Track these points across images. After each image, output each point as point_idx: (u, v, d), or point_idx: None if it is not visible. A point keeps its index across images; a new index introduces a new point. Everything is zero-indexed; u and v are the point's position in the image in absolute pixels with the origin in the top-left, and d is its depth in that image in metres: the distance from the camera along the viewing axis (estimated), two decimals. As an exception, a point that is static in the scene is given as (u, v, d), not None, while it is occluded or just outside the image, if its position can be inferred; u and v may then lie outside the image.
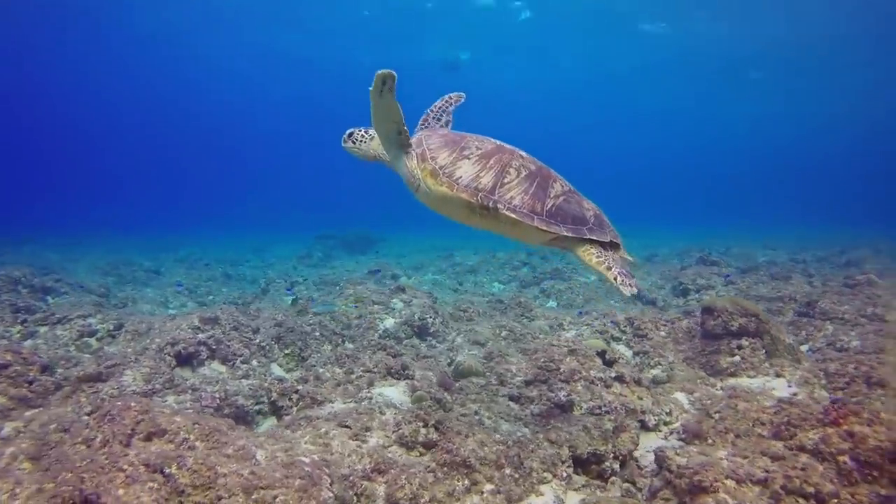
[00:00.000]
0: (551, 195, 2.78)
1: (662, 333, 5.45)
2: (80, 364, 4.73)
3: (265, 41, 31.20)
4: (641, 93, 38.11)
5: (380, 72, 2.45)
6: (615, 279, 2.69)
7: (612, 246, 2.90)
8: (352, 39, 30.39)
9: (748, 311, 4.65)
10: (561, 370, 4.20)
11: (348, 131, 3.23)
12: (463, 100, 3.52)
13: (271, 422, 4.42)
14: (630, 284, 2.67)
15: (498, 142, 2.98)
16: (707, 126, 48.89)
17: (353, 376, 4.32)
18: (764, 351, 4.52)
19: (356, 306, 6.69)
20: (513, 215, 2.68)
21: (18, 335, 5.63)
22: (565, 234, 2.74)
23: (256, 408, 4.46)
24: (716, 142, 57.41)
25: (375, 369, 4.37)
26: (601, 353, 4.46)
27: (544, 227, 2.69)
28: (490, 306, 7.75)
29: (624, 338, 5.59)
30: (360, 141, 3.18)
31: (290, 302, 8.68)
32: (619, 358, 4.43)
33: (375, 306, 6.53)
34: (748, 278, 8.74)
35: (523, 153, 2.95)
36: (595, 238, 2.79)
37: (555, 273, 10.54)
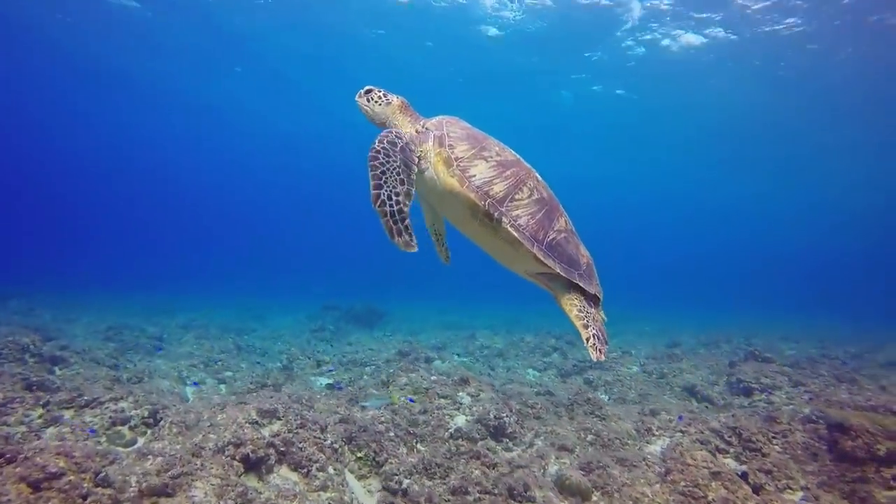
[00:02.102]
0: (555, 228, 2.65)
1: (777, 448, 4.91)
2: (117, 460, 3.98)
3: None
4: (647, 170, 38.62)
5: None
6: (587, 340, 2.60)
7: (594, 300, 2.80)
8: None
9: (894, 434, 4.20)
10: (709, 499, 3.62)
11: (367, 87, 2.97)
12: None
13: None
14: (600, 350, 2.58)
15: (518, 156, 2.83)
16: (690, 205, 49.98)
17: (471, 499, 3.65)
18: (924, 483, 4.02)
19: (412, 398, 6.06)
20: (515, 234, 2.51)
21: (41, 420, 4.84)
22: (558, 271, 2.60)
23: (341, 531, 3.76)
24: (700, 224, 59.09)
25: (496, 490, 3.73)
26: (743, 476, 3.91)
27: (541, 257, 2.55)
28: (547, 400, 7.14)
29: (732, 450, 5.03)
30: (376, 102, 2.92)
31: (323, 385, 7.97)
32: (763, 483, 3.87)
33: (441, 400, 5.89)
34: (809, 379, 8.32)
35: (539, 176, 2.82)
36: (582, 286, 2.68)
37: (596, 362, 9.99)
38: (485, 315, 21.44)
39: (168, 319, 14.84)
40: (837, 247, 59.26)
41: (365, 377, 8.37)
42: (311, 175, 51.40)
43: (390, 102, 2.93)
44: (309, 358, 9.62)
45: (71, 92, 28.93)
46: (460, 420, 5.61)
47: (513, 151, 2.82)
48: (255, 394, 7.39)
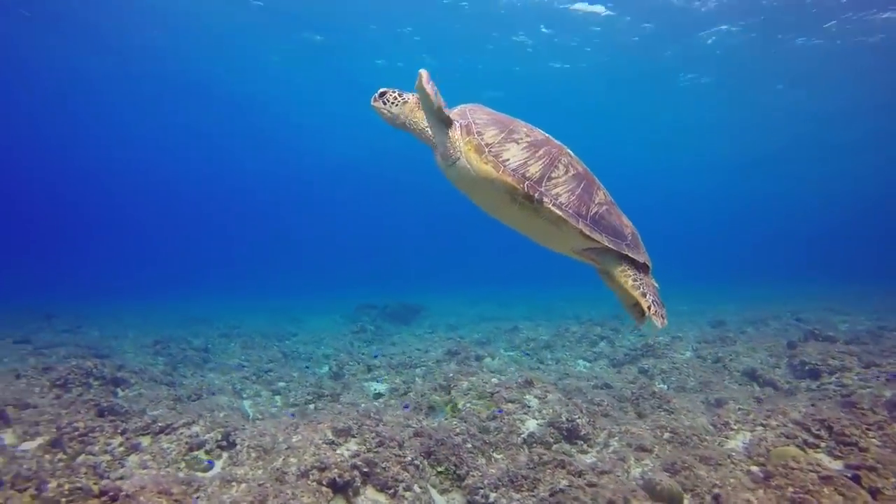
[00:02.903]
0: (595, 201, 2.61)
1: (876, 442, 4.69)
2: (202, 487, 3.98)
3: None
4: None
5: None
6: (648, 308, 2.54)
7: (644, 269, 2.74)
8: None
9: None
10: (823, 506, 3.44)
11: (380, 90, 2.96)
12: None
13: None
14: (662, 315, 2.55)
15: (547, 134, 2.78)
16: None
17: (573, 517, 3.54)
18: None
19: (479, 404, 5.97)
20: (558, 212, 2.48)
21: (122, 449, 4.87)
22: (606, 244, 2.56)
23: (438, 553, 3.68)
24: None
25: (596, 506, 3.60)
26: (855, 478, 3.71)
27: (587, 233, 2.52)
28: (608, 395, 6.99)
29: (823, 445, 4.82)
30: (392, 103, 2.93)
31: (375, 391, 7.95)
32: (881, 487, 3.67)
33: (509, 405, 5.78)
34: (881, 358, 7.98)
35: (571, 152, 2.76)
36: (632, 255, 2.63)
37: (647, 349, 9.80)
38: (518, 304, 21.30)
39: (208, 329, 15.01)
40: (845, 212, 57.63)
41: (417, 380, 8.33)
42: (312, 170, 51.44)
43: (407, 101, 2.92)
44: (358, 363, 9.59)
45: (72, 96, 29.27)
46: (531, 424, 5.49)
47: (541, 131, 2.79)
48: (313, 405, 7.41)
